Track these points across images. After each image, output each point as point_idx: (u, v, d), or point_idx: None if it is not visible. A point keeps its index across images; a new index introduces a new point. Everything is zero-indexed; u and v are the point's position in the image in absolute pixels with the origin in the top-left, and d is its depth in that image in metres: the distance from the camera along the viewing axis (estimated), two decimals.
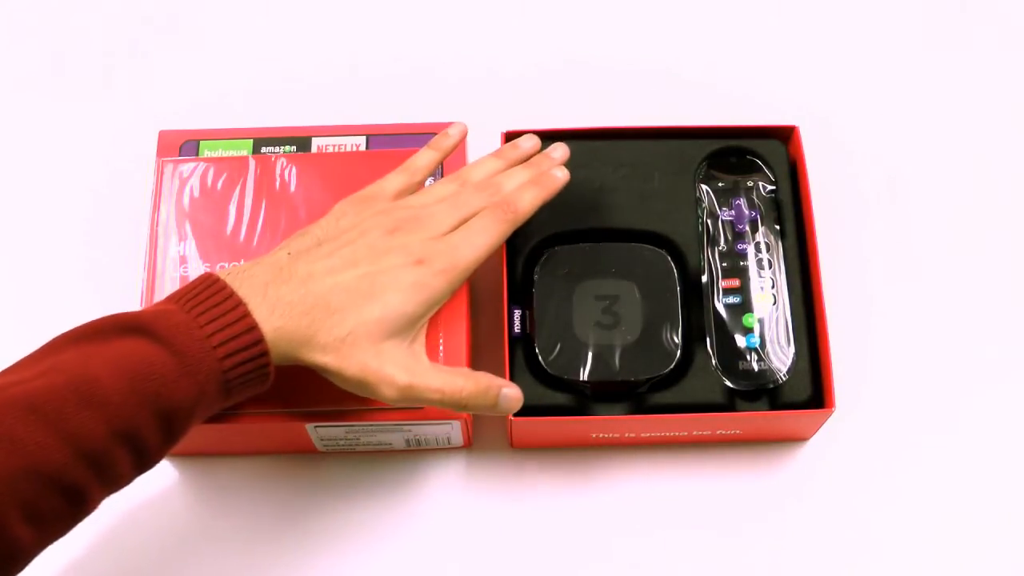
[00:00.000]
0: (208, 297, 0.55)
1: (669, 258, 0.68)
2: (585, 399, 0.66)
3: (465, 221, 0.62)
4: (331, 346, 0.57)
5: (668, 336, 0.66)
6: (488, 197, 0.63)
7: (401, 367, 0.58)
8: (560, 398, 0.66)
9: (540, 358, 0.66)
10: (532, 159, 0.67)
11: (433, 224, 0.61)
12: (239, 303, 0.55)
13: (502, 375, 0.65)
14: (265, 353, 0.55)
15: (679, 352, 0.66)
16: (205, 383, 0.53)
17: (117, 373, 0.51)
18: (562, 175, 0.65)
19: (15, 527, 0.49)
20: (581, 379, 0.65)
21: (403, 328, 0.59)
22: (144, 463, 0.54)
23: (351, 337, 0.57)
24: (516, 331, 0.67)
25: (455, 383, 0.60)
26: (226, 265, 0.67)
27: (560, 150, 0.67)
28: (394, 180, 0.65)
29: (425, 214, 0.62)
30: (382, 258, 0.59)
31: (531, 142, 0.68)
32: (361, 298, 0.58)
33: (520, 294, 0.68)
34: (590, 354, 0.66)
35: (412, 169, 0.65)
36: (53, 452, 0.49)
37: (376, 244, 0.60)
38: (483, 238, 0.62)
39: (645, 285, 0.67)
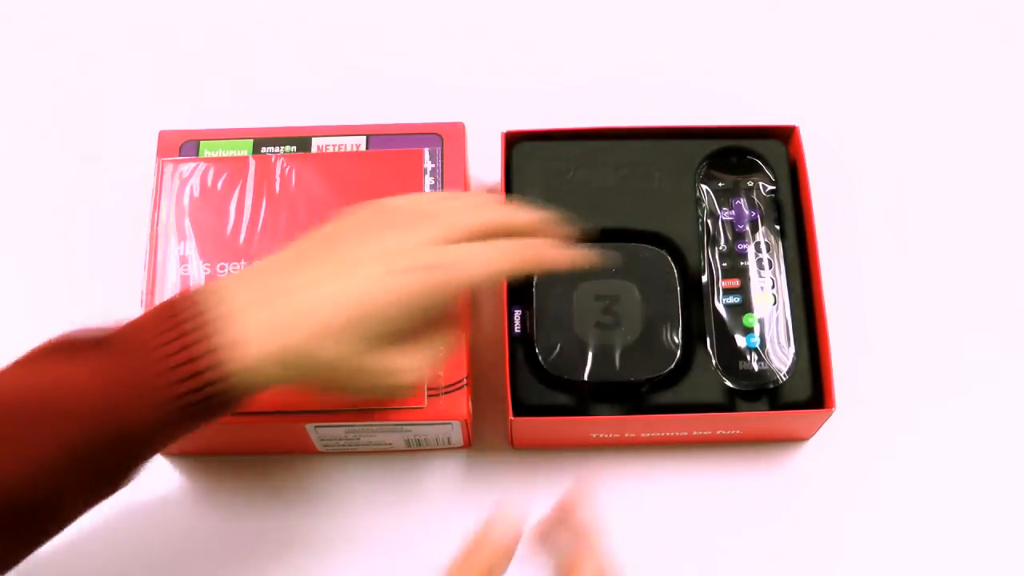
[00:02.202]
0: (182, 321, 0.51)
1: (669, 258, 0.68)
2: (585, 399, 0.66)
3: (472, 230, 0.55)
4: (325, 361, 0.53)
5: (668, 336, 0.66)
6: (507, 212, 0.59)
7: (403, 361, 0.55)
8: (560, 398, 0.66)
9: (540, 358, 0.66)
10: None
11: (438, 225, 0.55)
12: (206, 333, 0.51)
13: (502, 375, 0.65)
14: (225, 378, 0.51)
15: (679, 352, 0.66)
16: (163, 409, 0.50)
17: (87, 386, 0.50)
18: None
19: None
20: (581, 379, 0.65)
21: (397, 330, 0.54)
22: (105, 485, 0.53)
23: (343, 352, 0.53)
24: (516, 331, 0.67)
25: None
26: (226, 266, 0.67)
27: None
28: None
29: (430, 212, 0.56)
30: (375, 262, 0.53)
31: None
32: (351, 310, 0.53)
33: (520, 294, 0.68)
34: (590, 354, 0.66)
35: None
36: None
37: (371, 246, 0.54)
38: (495, 262, 0.55)
39: (645, 285, 0.67)
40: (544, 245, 0.58)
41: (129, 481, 0.54)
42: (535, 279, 0.68)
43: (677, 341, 0.66)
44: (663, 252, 0.68)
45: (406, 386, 0.56)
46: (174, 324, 0.51)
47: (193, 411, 0.51)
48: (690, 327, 0.67)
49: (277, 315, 0.52)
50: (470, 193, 0.63)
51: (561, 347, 0.66)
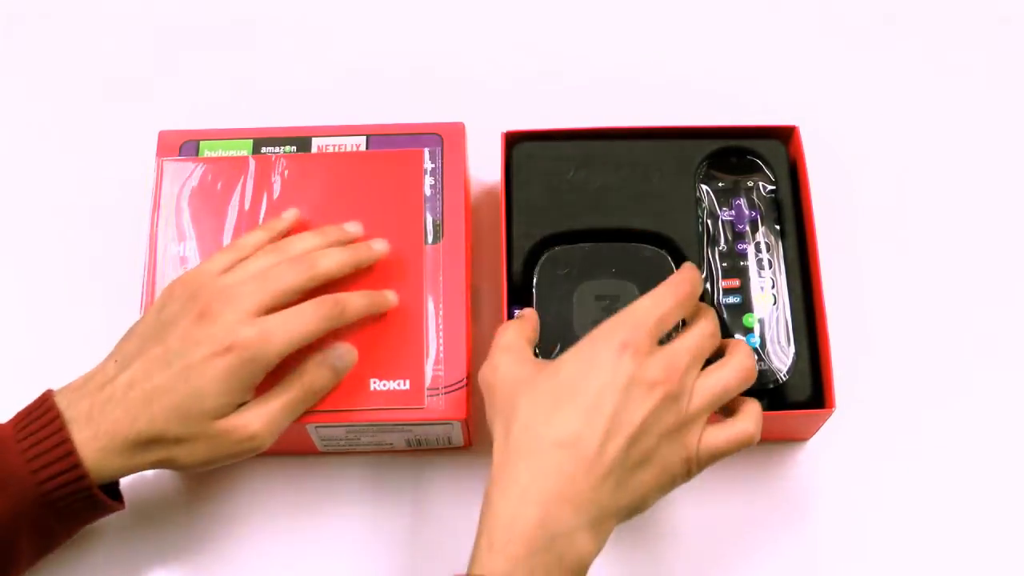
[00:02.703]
0: (36, 419, 0.57)
1: (669, 258, 0.68)
2: None
3: (276, 297, 0.61)
4: (172, 444, 0.58)
5: (668, 336, 0.66)
6: (303, 271, 0.62)
7: (248, 420, 0.60)
8: None
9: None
10: (354, 244, 0.66)
11: (241, 303, 0.60)
12: (61, 429, 0.56)
13: None
14: (83, 477, 0.56)
15: None
16: (22, 502, 0.55)
17: None
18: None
19: None
20: None
21: (229, 409, 0.59)
22: None
23: (187, 433, 0.58)
24: None
25: (295, 392, 0.62)
26: None
27: (381, 244, 0.66)
28: (220, 259, 0.63)
29: (233, 293, 0.60)
30: (191, 350, 0.58)
31: (355, 227, 0.67)
32: (181, 397, 0.58)
33: (520, 294, 0.68)
34: None
35: (239, 247, 0.64)
36: None
37: (186, 334, 0.59)
38: (299, 327, 0.60)
39: (645, 285, 0.67)
40: (344, 297, 0.63)
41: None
42: (535, 279, 0.68)
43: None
44: (663, 252, 0.68)
45: (259, 437, 0.60)
46: (29, 422, 0.57)
47: (59, 505, 0.57)
48: None
49: (119, 408, 0.58)
50: (278, 248, 0.64)
51: (561, 347, 0.66)
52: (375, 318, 0.66)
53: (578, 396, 0.55)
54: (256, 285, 0.61)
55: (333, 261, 0.64)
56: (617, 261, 0.68)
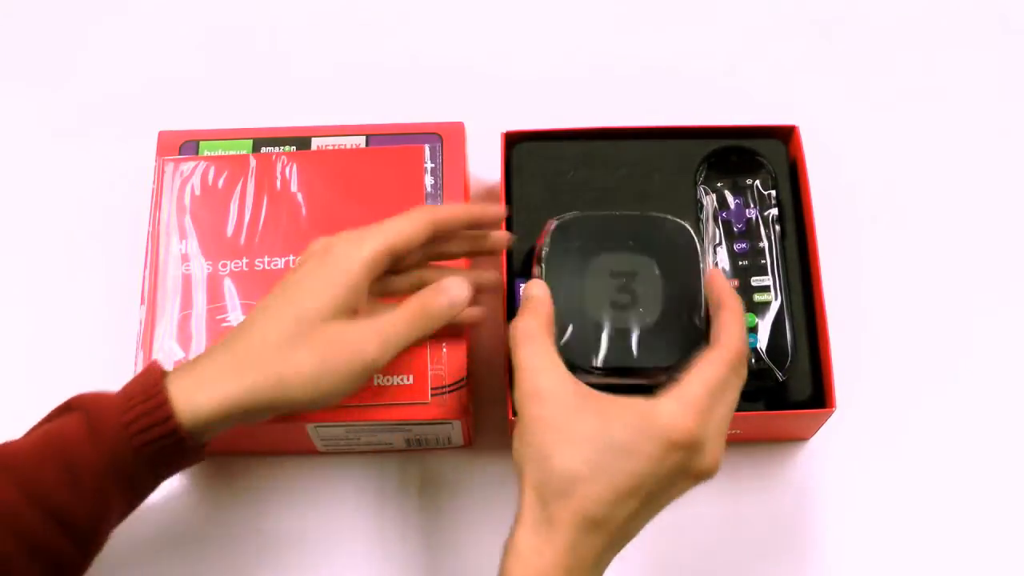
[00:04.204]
0: (137, 380, 0.56)
1: (691, 230, 0.64)
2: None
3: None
4: (278, 361, 0.57)
5: (691, 319, 0.62)
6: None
7: (361, 333, 0.58)
8: None
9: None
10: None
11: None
12: (157, 383, 0.56)
13: (502, 373, 0.65)
14: (174, 431, 0.55)
15: (704, 338, 0.60)
16: (114, 449, 0.55)
17: (35, 439, 0.56)
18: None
19: None
20: (594, 366, 0.61)
21: (329, 313, 0.58)
22: (70, 528, 0.55)
23: (295, 333, 0.57)
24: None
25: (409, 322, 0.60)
26: (228, 263, 0.67)
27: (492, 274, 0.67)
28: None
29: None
30: (299, 272, 0.59)
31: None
32: (283, 302, 0.58)
33: (525, 266, 0.66)
34: (604, 338, 0.61)
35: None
36: None
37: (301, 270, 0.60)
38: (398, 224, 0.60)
39: (665, 261, 0.63)
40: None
41: (88, 537, 0.56)
42: (546, 250, 0.63)
43: (700, 325, 0.61)
44: (685, 224, 0.64)
45: (369, 350, 0.58)
46: (132, 387, 0.56)
47: (146, 454, 0.55)
48: None
49: (224, 345, 0.57)
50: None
51: (573, 330, 0.61)
52: None
53: (616, 476, 0.53)
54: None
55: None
56: (635, 233, 0.63)
